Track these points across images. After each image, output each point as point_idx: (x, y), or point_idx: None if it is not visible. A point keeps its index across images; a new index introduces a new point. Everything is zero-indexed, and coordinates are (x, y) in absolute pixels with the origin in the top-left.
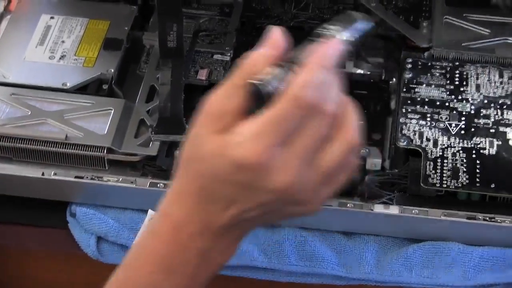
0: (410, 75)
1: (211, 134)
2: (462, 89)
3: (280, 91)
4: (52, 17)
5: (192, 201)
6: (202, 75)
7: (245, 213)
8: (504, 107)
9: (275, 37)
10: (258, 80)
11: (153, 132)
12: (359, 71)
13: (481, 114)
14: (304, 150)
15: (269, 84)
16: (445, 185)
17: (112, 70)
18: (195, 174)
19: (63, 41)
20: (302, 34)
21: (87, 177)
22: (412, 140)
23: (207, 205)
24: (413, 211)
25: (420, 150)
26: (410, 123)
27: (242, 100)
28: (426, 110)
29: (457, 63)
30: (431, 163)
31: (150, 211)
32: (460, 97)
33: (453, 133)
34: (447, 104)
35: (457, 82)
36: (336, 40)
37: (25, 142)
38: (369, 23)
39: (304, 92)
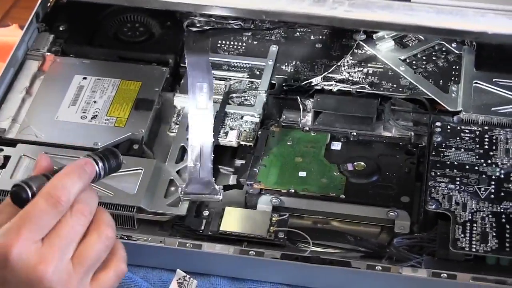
0: (439, 139)
1: None
2: (491, 153)
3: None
4: (84, 78)
5: None
6: (232, 136)
7: None
8: None
9: (41, 161)
10: (16, 185)
11: (182, 192)
12: (388, 134)
13: (511, 179)
14: (60, 243)
15: (27, 187)
16: (474, 249)
17: (143, 131)
18: None
19: (95, 101)
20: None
21: (117, 236)
22: (441, 204)
23: None
24: (442, 275)
25: (449, 214)
26: (439, 186)
27: (8, 215)
28: (455, 173)
29: (486, 127)
30: (460, 227)
31: (178, 271)
32: (489, 161)
33: (482, 197)
34: (476, 168)
35: (486, 146)
36: (90, 162)
37: None
38: (118, 165)
39: (51, 190)
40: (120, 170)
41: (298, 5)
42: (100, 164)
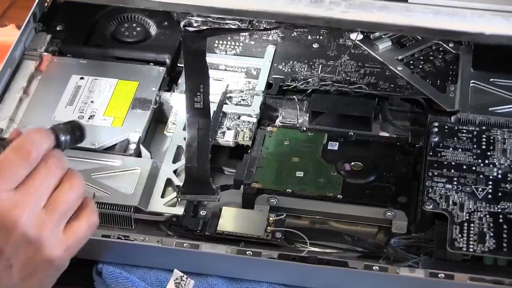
0: (437, 139)
1: None
2: (488, 153)
3: None
4: (82, 78)
5: None
6: (229, 136)
7: None
8: None
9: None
10: None
11: (179, 192)
12: (386, 134)
13: (508, 179)
14: (33, 191)
15: None
16: (471, 249)
17: (140, 130)
18: None
19: (92, 101)
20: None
21: (114, 236)
22: (438, 204)
23: None
24: (439, 275)
25: (447, 214)
26: (437, 186)
27: None
28: (453, 174)
29: (483, 128)
30: (458, 227)
31: (175, 271)
32: (486, 161)
33: (479, 197)
34: (473, 168)
35: (483, 146)
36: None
37: None
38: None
39: (22, 143)
40: (117, 170)
41: (295, 6)
42: (62, 136)
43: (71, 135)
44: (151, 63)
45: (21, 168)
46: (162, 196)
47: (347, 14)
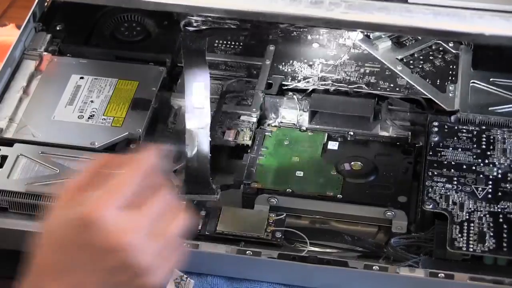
0: (437, 139)
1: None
2: (488, 153)
3: None
4: (81, 77)
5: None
6: (229, 136)
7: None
8: None
9: None
10: None
11: (179, 192)
12: (385, 133)
13: (508, 179)
14: (143, 217)
15: None
16: (471, 249)
17: (140, 130)
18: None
19: (92, 101)
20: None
21: None
22: (438, 204)
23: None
24: (439, 275)
25: (446, 214)
26: (436, 186)
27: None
28: (453, 173)
29: (483, 127)
30: (457, 226)
31: (175, 270)
32: (486, 161)
33: (479, 197)
34: (473, 167)
35: (483, 146)
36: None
37: (53, 201)
38: None
39: (143, 166)
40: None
41: (295, 7)
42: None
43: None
44: (151, 63)
45: (139, 190)
46: None
47: (347, 15)
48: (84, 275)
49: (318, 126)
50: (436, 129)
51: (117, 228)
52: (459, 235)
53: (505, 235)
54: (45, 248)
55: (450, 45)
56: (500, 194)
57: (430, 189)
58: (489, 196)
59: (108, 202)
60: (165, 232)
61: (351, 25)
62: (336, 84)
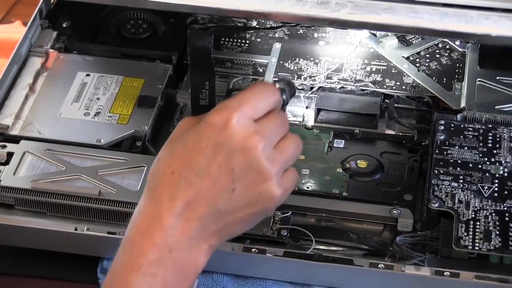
0: (443, 137)
1: None
2: (495, 151)
3: None
4: (88, 75)
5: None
6: None
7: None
8: None
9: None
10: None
11: None
12: (391, 131)
13: None
14: (270, 128)
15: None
16: (477, 248)
17: (146, 128)
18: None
19: (98, 98)
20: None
21: (119, 233)
22: (444, 202)
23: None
24: (445, 273)
25: (452, 212)
26: (442, 184)
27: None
28: (459, 172)
29: (490, 126)
30: (463, 225)
31: None
32: (493, 160)
33: (485, 195)
34: (479, 166)
35: (490, 145)
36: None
37: (59, 198)
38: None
39: (272, 87)
40: (123, 167)
41: (301, 7)
42: (284, 95)
43: (289, 94)
44: (157, 60)
45: (267, 104)
46: None
47: (353, 16)
48: (207, 188)
49: (324, 124)
50: (442, 127)
51: (249, 130)
52: (465, 234)
53: (511, 234)
54: (169, 157)
55: (456, 43)
56: (506, 192)
57: (436, 187)
58: (495, 194)
59: (241, 106)
60: (283, 150)
61: (357, 26)
62: (342, 82)
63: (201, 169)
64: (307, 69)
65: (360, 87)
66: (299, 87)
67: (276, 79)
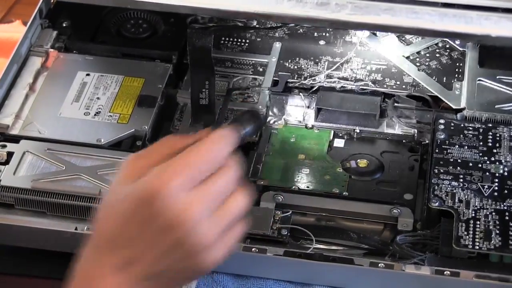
0: (443, 136)
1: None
2: (495, 150)
3: None
4: (88, 74)
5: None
6: None
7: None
8: None
9: None
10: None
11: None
12: (392, 131)
13: None
14: (208, 197)
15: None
16: (477, 247)
17: (146, 127)
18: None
19: (98, 98)
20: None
21: None
22: (444, 201)
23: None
24: (445, 273)
25: (452, 211)
26: (443, 184)
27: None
28: (459, 171)
29: (490, 125)
30: (463, 224)
31: None
32: (493, 159)
33: (485, 194)
34: (479, 165)
35: (490, 144)
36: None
37: (59, 197)
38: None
39: (213, 146)
40: None
41: (301, 8)
42: (244, 131)
43: (251, 128)
44: (157, 60)
45: (205, 170)
46: None
47: (353, 17)
48: (141, 251)
49: (324, 124)
50: (442, 126)
51: (180, 204)
52: (465, 233)
53: (511, 233)
54: (105, 222)
55: (457, 42)
56: (506, 192)
57: (436, 186)
58: (495, 194)
59: (172, 178)
60: (226, 212)
61: (357, 27)
62: (342, 81)
63: (134, 239)
64: (307, 68)
65: (360, 87)
66: (299, 86)
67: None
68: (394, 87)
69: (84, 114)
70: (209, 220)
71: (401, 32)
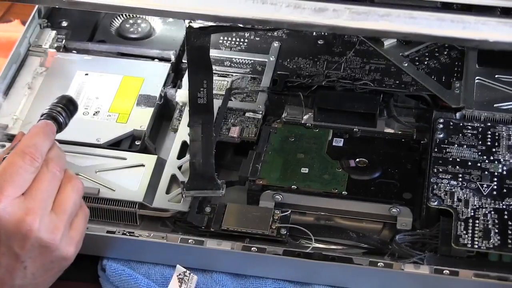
0: (442, 135)
1: None
2: (494, 149)
3: None
4: (86, 74)
5: None
6: (234, 132)
7: None
8: None
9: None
10: None
11: (184, 188)
12: (391, 130)
13: None
14: (41, 196)
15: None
16: (476, 246)
17: (145, 127)
18: None
19: (97, 97)
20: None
21: (118, 232)
22: (443, 200)
23: None
24: (444, 272)
25: (451, 210)
26: (442, 183)
27: None
28: (458, 170)
29: (489, 124)
30: (462, 223)
31: (178, 266)
32: (491, 158)
33: (484, 193)
34: (478, 164)
35: (489, 143)
36: (50, 123)
37: None
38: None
39: (25, 149)
40: (122, 166)
41: (299, 14)
42: (61, 117)
43: (68, 113)
44: (156, 59)
45: (28, 174)
46: (167, 192)
47: (351, 22)
48: (4, 267)
49: (323, 123)
50: (441, 125)
51: (18, 216)
52: (464, 232)
53: (510, 232)
54: None
55: None
56: (505, 190)
57: (435, 185)
58: (494, 192)
59: (3, 191)
60: (62, 206)
61: (355, 32)
62: (341, 80)
63: None
64: (306, 68)
65: (359, 86)
66: (298, 86)
67: (56, 102)
68: (393, 86)
69: (83, 113)
70: (51, 216)
71: (399, 37)
